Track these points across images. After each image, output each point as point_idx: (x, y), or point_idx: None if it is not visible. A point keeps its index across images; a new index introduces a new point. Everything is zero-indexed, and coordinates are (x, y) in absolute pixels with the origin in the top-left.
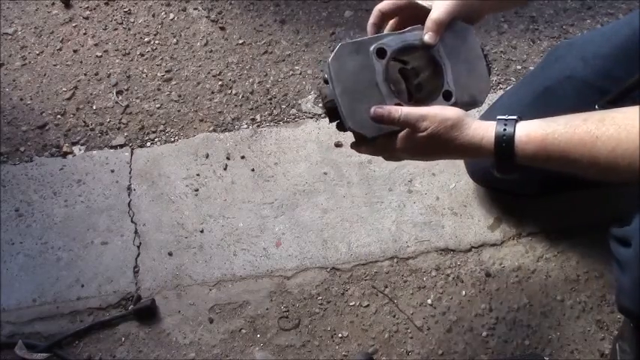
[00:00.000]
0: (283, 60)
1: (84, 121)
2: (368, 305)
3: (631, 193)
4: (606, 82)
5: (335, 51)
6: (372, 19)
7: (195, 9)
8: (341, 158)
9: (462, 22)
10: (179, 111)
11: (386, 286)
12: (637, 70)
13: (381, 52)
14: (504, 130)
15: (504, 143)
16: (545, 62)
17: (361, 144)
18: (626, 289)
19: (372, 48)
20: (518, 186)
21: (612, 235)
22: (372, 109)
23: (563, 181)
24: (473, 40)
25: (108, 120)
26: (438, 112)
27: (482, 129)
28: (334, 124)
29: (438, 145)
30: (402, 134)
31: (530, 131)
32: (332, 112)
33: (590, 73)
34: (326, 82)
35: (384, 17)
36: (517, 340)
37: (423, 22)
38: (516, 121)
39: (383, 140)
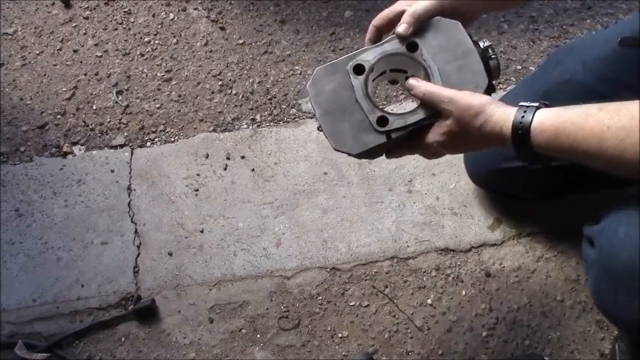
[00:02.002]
0: (283, 60)
1: (84, 121)
2: (368, 305)
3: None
4: (606, 86)
5: (312, 76)
6: (368, 35)
7: (195, 9)
8: (341, 158)
9: (445, 19)
10: (179, 111)
11: (386, 286)
12: (636, 74)
13: (358, 69)
14: (522, 117)
15: (520, 131)
16: (546, 66)
17: (392, 152)
18: (590, 290)
19: (348, 66)
20: (517, 190)
21: (584, 234)
22: (408, 80)
23: (563, 187)
24: (460, 35)
25: (108, 120)
26: (464, 97)
27: (503, 116)
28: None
29: (464, 132)
30: (433, 128)
31: (544, 120)
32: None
33: (590, 77)
34: None
35: (380, 32)
36: (517, 340)
37: None
38: (537, 108)
39: (415, 140)
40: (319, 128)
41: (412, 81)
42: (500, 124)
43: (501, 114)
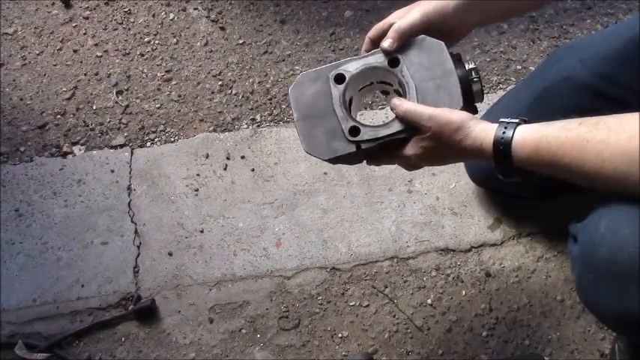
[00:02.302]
0: (283, 60)
1: (84, 121)
2: (368, 305)
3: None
4: (604, 83)
5: (296, 80)
6: (364, 46)
7: (195, 9)
8: None
9: (430, 37)
10: (179, 111)
11: (386, 286)
12: (636, 73)
13: (339, 78)
14: (503, 133)
15: (502, 147)
16: (545, 64)
17: (371, 160)
18: (575, 285)
19: (331, 74)
20: (517, 189)
21: (569, 232)
22: (392, 100)
23: (563, 186)
24: (442, 56)
25: (108, 120)
26: (442, 114)
27: (484, 132)
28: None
29: (443, 147)
30: (412, 141)
31: (526, 135)
32: None
33: (588, 74)
34: None
35: (374, 43)
36: (517, 340)
37: None
38: (517, 124)
39: (392, 151)
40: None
41: (395, 100)
42: (481, 140)
43: (481, 130)
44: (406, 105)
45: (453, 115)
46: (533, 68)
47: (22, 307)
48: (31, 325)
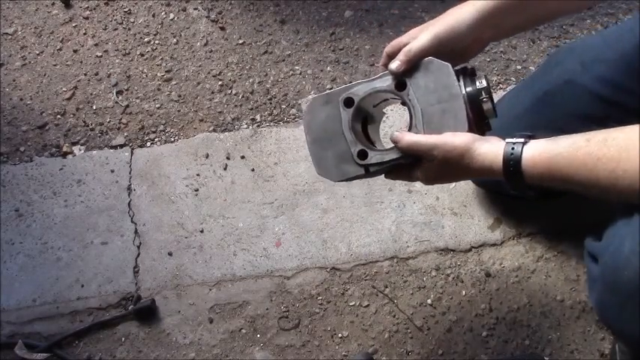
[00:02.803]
0: (283, 60)
1: (84, 121)
2: (368, 305)
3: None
4: (605, 87)
5: (308, 104)
6: (381, 61)
7: (195, 9)
8: None
9: (437, 60)
10: (179, 111)
11: (386, 286)
12: (637, 77)
13: (348, 102)
14: (511, 154)
15: (512, 167)
16: (546, 66)
17: (389, 176)
18: (594, 305)
19: (340, 98)
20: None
21: (586, 249)
22: (393, 133)
23: None
24: (449, 79)
25: (108, 120)
26: (447, 141)
27: (491, 153)
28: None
29: (452, 170)
30: (416, 165)
31: (535, 154)
32: None
33: (589, 78)
34: None
35: (390, 58)
36: (517, 340)
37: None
38: (524, 143)
39: (402, 172)
40: None
41: (396, 134)
42: (490, 160)
43: (487, 150)
44: (407, 138)
45: (456, 140)
46: (533, 68)
47: (22, 307)
48: (31, 325)
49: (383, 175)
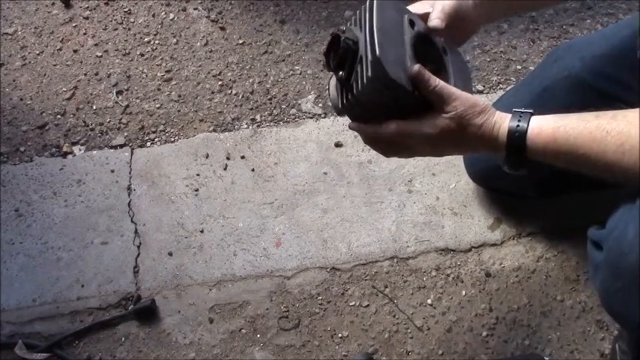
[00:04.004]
0: (283, 60)
1: (84, 121)
2: (368, 305)
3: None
4: (604, 82)
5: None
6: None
7: (195, 9)
8: (341, 158)
9: (460, 54)
10: (179, 111)
11: (386, 286)
12: (636, 71)
13: (412, 23)
14: (519, 121)
15: (517, 134)
16: (545, 63)
17: (368, 122)
18: (598, 292)
19: (406, 16)
20: (517, 188)
21: (589, 238)
22: (416, 66)
23: (562, 184)
24: (469, 73)
25: (108, 120)
26: (470, 97)
27: (500, 119)
28: (331, 122)
29: (460, 130)
30: (425, 119)
31: (542, 124)
32: (334, 42)
33: (588, 72)
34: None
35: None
36: (517, 340)
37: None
38: (531, 114)
39: (399, 124)
40: (338, 31)
41: (422, 70)
42: (498, 127)
43: (499, 117)
44: (439, 80)
45: (478, 99)
46: (533, 68)
47: (22, 307)
48: (31, 325)
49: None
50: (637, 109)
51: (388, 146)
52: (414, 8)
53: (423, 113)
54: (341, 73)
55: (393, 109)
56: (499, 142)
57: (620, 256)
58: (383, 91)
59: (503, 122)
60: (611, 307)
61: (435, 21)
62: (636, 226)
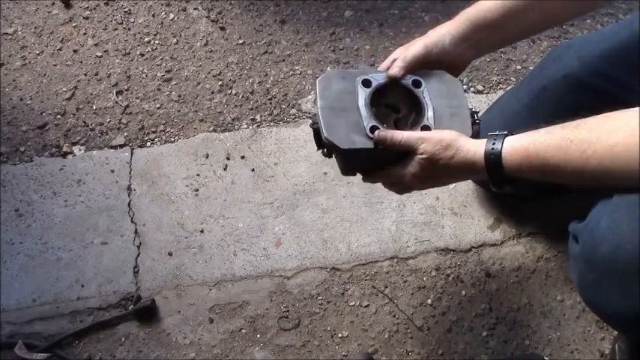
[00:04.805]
0: (283, 60)
1: (84, 121)
2: (368, 305)
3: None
4: (601, 81)
5: (324, 73)
6: (386, 62)
7: (195, 9)
8: None
9: (449, 75)
10: (179, 111)
11: (386, 286)
12: (634, 71)
13: (366, 83)
14: (493, 144)
15: (493, 156)
16: (544, 62)
17: (369, 176)
18: (575, 284)
19: (358, 78)
20: (517, 188)
21: (570, 232)
22: (376, 133)
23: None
24: (459, 91)
25: (108, 120)
26: (434, 134)
27: (474, 146)
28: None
29: (438, 165)
30: (406, 162)
31: (514, 143)
32: (317, 134)
33: (586, 72)
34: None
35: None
36: (517, 340)
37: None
38: (505, 135)
39: (389, 172)
40: (312, 124)
41: (383, 132)
42: (472, 153)
43: (472, 145)
44: (400, 134)
45: (443, 134)
46: (533, 68)
47: (22, 307)
48: (31, 325)
49: (362, 177)
50: (601, 115)
51: (392, 187)
52: (395, 53)
53: (407, 156)
54: (323, 150)
55: (379, 160)
56: (478, 166)
57: (593, 247)
58: (349, 157)
59: (478, 148)
60: (587, 299)
61: (393, 70)
62: (609, 219)
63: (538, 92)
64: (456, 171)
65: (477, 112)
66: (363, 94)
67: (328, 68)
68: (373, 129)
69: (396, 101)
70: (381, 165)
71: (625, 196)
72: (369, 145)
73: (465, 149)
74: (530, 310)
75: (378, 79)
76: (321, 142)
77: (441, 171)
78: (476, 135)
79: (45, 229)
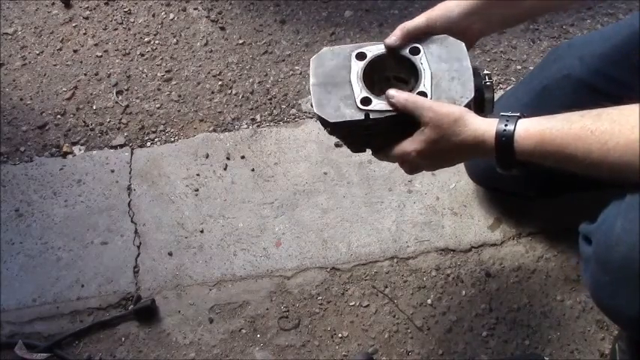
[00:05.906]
0: (283, 60)
1: (84, 121)
2: (368, 305)
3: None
4: (602, 81)
5: (318, 53)
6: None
7: (195, 9)
8: (341, 158)
9: (452, 37)
10: (179, 111)
11: (386, 286)
12: (635, 71)
13: (361, 56)
14: (505, 125)
15: (504, 138)
16: (545, 62)
17: (377, 152)
18: (588, 286)
19: (353, 53)
20: (517, 187)
21: (580, 233)
22: (389, 90)
23: (563, 183)
24: (461, 54)
25: (108, 120)
26: (442, 105)
27: (485, 125)
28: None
29: (443, 140)
30: (413, 138)
31: (529, 127)
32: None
33: (587, 72)
34: None
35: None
36: (517, 340)
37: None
38: (518, 117)
39: (394, 147)
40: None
41: (392, 91)
42: (482, 132)
43: (481, 122)
44: (407, 95)
45: (452, 107)
46: (533, 68)
47: (22, 307)
48: (31, 325)
49: (376, 156)
50: (621, 107)
51: (402, 166)
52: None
53: (415, 131)
54: (328, 129)
55: (387, 134)
56: (488, 146)
57: (608, 249)
58: (343, 131)
59: (489, 126)
60: (600, 301)
61: (389, 39)
62: (624, 220)
63: (538, 92)
64: (462, 149)
65: (487, 74)
66: (356, 67)
67: (322, 48)
68: (364, 100)
69: (401, 73)
70: (387, 139)
71: (638, 197)
72: (359, 116)
73: (474, 126)
74: (530, 310)
75: (374, 51)
76: (323, 121)
77: (445, 147)
78: (489, 103)
79: (45, 229)
